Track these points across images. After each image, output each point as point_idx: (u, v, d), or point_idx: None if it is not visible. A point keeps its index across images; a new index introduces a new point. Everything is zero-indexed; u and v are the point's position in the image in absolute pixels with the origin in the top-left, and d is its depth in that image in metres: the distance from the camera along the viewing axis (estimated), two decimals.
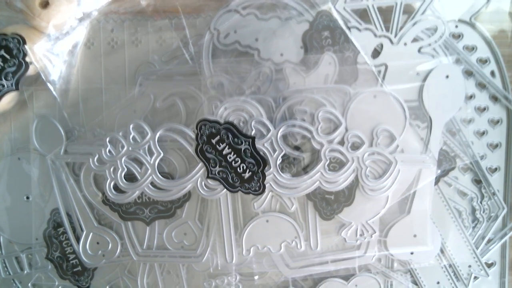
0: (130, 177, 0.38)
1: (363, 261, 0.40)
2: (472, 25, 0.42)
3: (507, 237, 0.42)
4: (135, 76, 0.41)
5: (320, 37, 0.39)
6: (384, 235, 0.39)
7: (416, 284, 0.42)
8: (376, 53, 0.40)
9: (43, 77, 0.40)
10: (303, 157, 0.38)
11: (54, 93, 0.40)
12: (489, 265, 0.43)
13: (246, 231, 0.38)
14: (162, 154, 0.38)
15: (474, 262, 0.42)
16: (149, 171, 0.38)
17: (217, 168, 0.36)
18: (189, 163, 0.38)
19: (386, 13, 0.40)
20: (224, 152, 0.36)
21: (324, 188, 0.37)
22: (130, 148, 0.38)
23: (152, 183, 0.38)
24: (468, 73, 0.42)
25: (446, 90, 0.40)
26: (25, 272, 0.42)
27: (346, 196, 0.38)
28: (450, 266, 0.42)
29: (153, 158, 0.38)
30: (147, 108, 0.40)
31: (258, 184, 0.36)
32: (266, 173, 0.36)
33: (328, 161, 0.37)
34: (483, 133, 0.42)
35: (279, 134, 0.37)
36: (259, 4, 0.39)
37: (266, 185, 0.37)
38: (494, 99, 0.42)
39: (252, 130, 0.37)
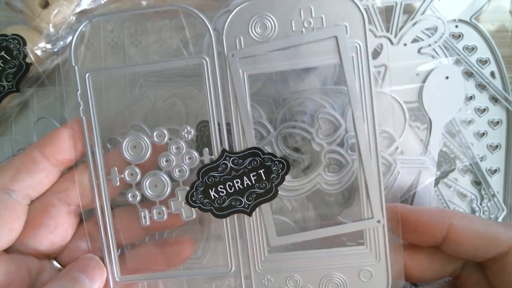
0: None
1: None
2: (472, 25, 0.42)
3: None
4: (135, 76, 0.41)
5: None
6: None
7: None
8: (376, 53, 0.40)
9: (43, 78, 0.40)
10: (303, 159, 0.38)
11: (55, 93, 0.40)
12: None
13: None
14: None
15: None
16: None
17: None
18: None
19: (386, 13, 0.40)
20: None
21: (324, 190, 0.37)
22: None
23: None
24: (468, 74, 0.42)
25: (446, 91, 0.40)
26: None
27: (346, 198, 0.38)
28: None
29: None
30: (147, 109, 0.40)
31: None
32: None
33: (328, 163, 0.37)
34: (483, 134, 0.42)
35: (279, 136, 0.37)
36: None
37: None
38: (494, 100, 0.42)
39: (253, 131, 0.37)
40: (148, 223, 0.35)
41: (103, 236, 0.35)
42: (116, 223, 0.36)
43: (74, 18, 0.40)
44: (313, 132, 0.37)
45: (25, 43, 0.39)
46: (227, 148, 0.34)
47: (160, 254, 0.36)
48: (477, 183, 0.42)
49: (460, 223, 0.33)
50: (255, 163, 0.34)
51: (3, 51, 0.39)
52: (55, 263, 0.35)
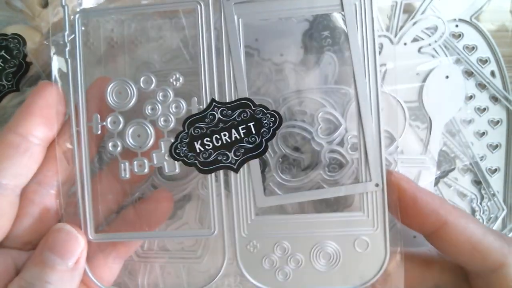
0: None
1: None
2: (472, 25, 0.42)
3: None
4: (135, 76, 0.41)
5: (320, 37, 0.39)
6: None
7: None
8: None
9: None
10: (303, 158, 0.38)
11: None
12: None
13: None
14: None
15: None
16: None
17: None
18: None
19: (386, 13, 0.40)
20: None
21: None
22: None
23: (152, 185, 0.38)
24: (468, 74, 0.42)
25: (446, 90, 0.40)
26: None
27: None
28: None
29: None
30: None
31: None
32: (267, 175, 0.36)
33: (328, 162, 0.37)
34: (483, 134, 0.42)
35: (279, 135, 0.37)
36: None
37: (266, 187, 0.37)
38: (494, 99, 0.42)
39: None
40: (128, 175, 0.33)
41: (79, 188, 0.33)
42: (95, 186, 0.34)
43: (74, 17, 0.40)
44: (313, 131, 0.37)
45: (25, 43, 0.39)
46: (216, 99, 0.33)
47: (138, 216, 0.34)
48: (477, 182, 0.42)
49: (455, 223, 0.31)
50: (245, 115, 0.32)
51: (3, 51, 0.39)
52: None
